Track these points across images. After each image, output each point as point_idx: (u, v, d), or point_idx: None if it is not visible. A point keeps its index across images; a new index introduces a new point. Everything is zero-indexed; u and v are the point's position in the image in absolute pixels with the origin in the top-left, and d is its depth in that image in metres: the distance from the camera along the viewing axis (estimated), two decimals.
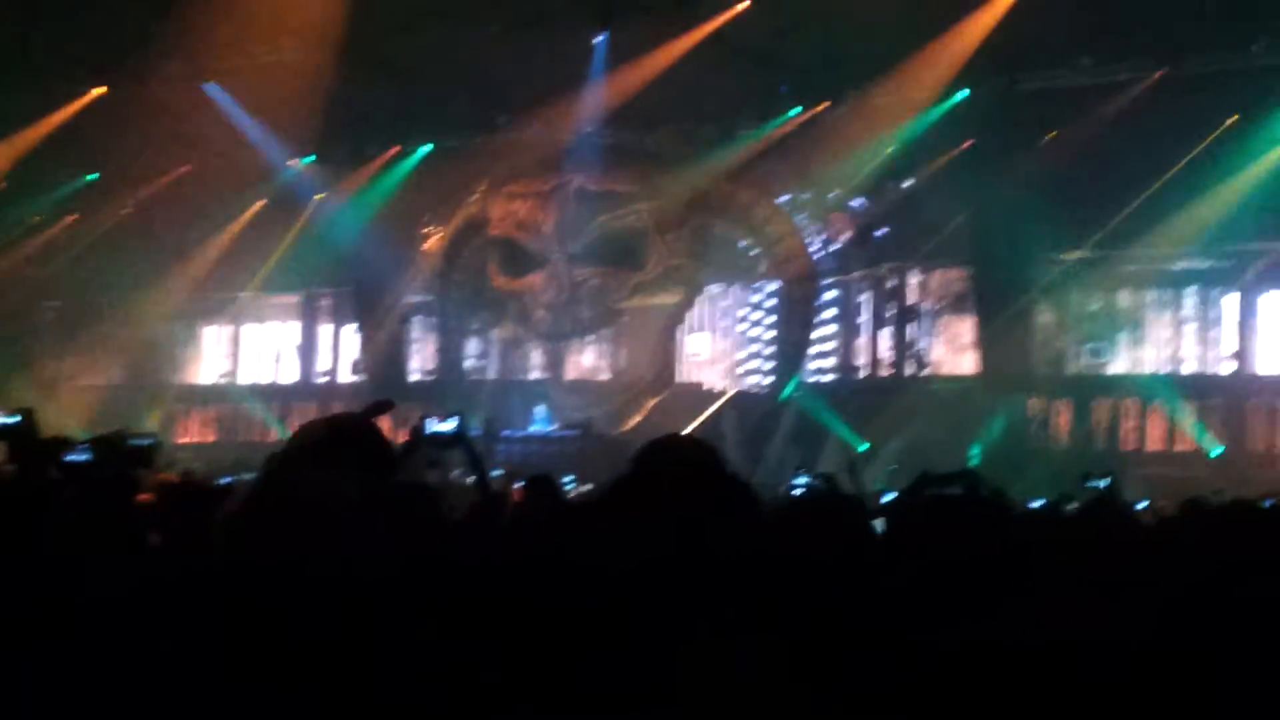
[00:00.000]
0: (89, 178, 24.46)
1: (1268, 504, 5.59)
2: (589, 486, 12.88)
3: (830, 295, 22.36)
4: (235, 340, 26.70)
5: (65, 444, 4.01)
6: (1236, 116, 17.80)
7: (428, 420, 4.54)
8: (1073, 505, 6.99)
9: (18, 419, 3.91)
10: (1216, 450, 17.85)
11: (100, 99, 22.11)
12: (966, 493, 7.11)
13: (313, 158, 23.36)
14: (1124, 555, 3.17)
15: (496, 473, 17.12)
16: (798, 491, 9.06)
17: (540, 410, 21.71)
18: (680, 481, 2.33)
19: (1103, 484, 8.86)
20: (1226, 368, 19.71)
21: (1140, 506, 8.78)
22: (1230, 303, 19.82)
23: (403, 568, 2.39)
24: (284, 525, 2.29)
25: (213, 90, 22.15)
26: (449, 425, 4.60)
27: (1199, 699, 2.40)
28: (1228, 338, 19.81)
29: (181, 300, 25.66)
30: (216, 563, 2.46)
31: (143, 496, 4.72)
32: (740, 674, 2.10)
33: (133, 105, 21.91)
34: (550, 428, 21.23)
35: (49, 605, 2.29)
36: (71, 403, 21.33)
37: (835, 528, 2.83)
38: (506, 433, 20.48)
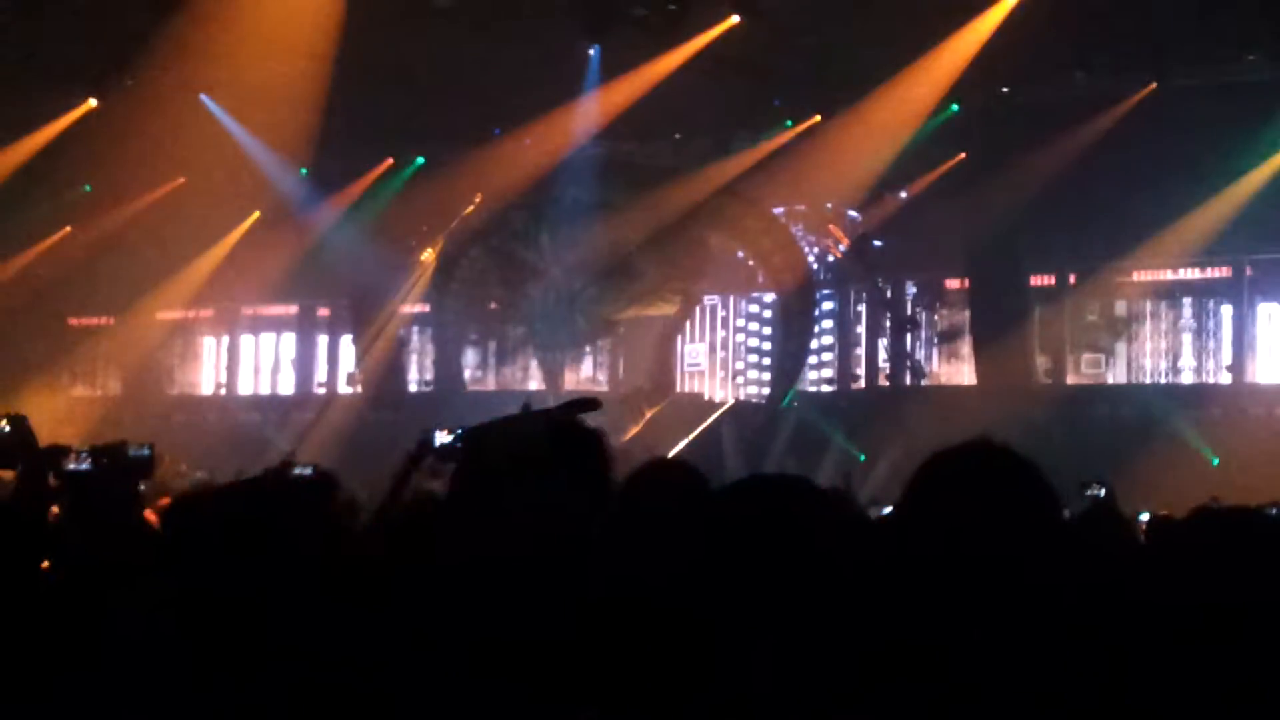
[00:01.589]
0: (83, 190, 24.45)
1: (1274, 511, 5.59)
2: None
3: (828, 306, 22.41)
4: (233, 352, 26.69)
5: (65, 452, 3.99)
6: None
7: (432, 432, 4.52)
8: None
9: (8, 427, 3.87)
10: (1215, 460, 17.85)
11: (92, 112, 22.09)
12: None
13: (304, 171, 23.34)
14: (1123, 559, 3.17)
15: None
16: None
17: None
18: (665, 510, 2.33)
19: (1100, 492, 8.87)
20: (1224, 378, 19.73)
21: (1142, 518, 8.75)
22: (1227, 313, 19.85)
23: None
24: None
25: (206, 103, 22.14)
26: (453, 437, 4.57)
27: (1204, 699, 2.39)
28: (1225, 348, 19.84)
29: (178, 312, 25.66)
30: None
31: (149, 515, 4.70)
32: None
33: (126, 118, 21.89)
34: None
35: (62, 618, 2.28)
36: (69, 414, 21.28)
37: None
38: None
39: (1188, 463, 17.20)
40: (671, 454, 20.62)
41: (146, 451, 4.45)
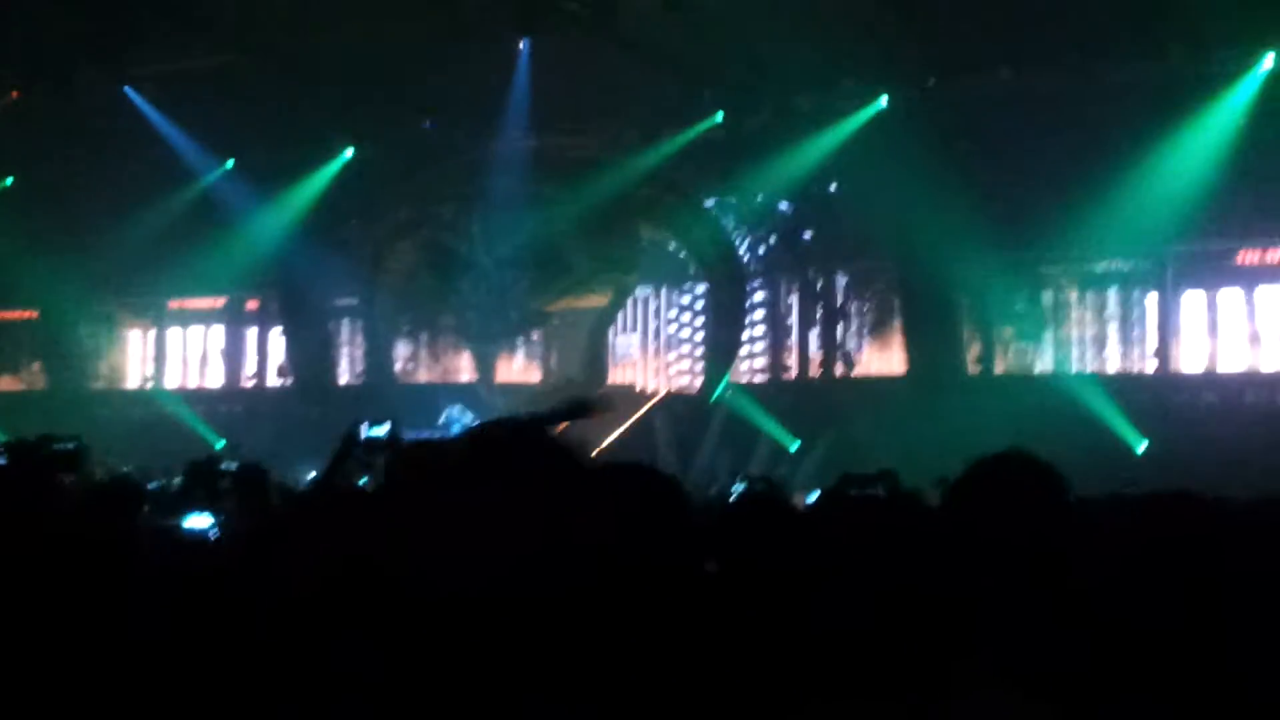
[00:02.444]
0: (5, 182, 24.11)
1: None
2: None
3: (759, 297, 22.48)
4: (159, 344, 26.39)
5: None
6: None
7: (360, 424, 4.51)
8: None
9: None
10: (1141, 447, 18.11)
11: (14, 102, 21.76)
12: (887, 492, 7.23)
13: (231, 163, 23.13)
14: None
15: None
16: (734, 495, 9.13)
17: (455, 410, 21.61)
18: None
19: None
20: (1150, 365, 20.00)
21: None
22: (1151, 302, 20.12)
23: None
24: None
25: (131, 95, 21.86)
26: (382, 429, 4.57)
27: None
28: (1150, 337, 20.12)
29: (103, 304, 25.34)
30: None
31: None
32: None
33: (49, 109, 21.58)
34: (469, 422, 21.20)
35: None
36: None
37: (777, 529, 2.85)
38: (422, 434, 20.45)
39: (1114, 450, 17.44)
40: (604, 445, 20.67)
41: (72, 445, 4.40)
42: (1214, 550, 2.67)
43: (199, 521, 5.60)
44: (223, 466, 6.54)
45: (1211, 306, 19.70)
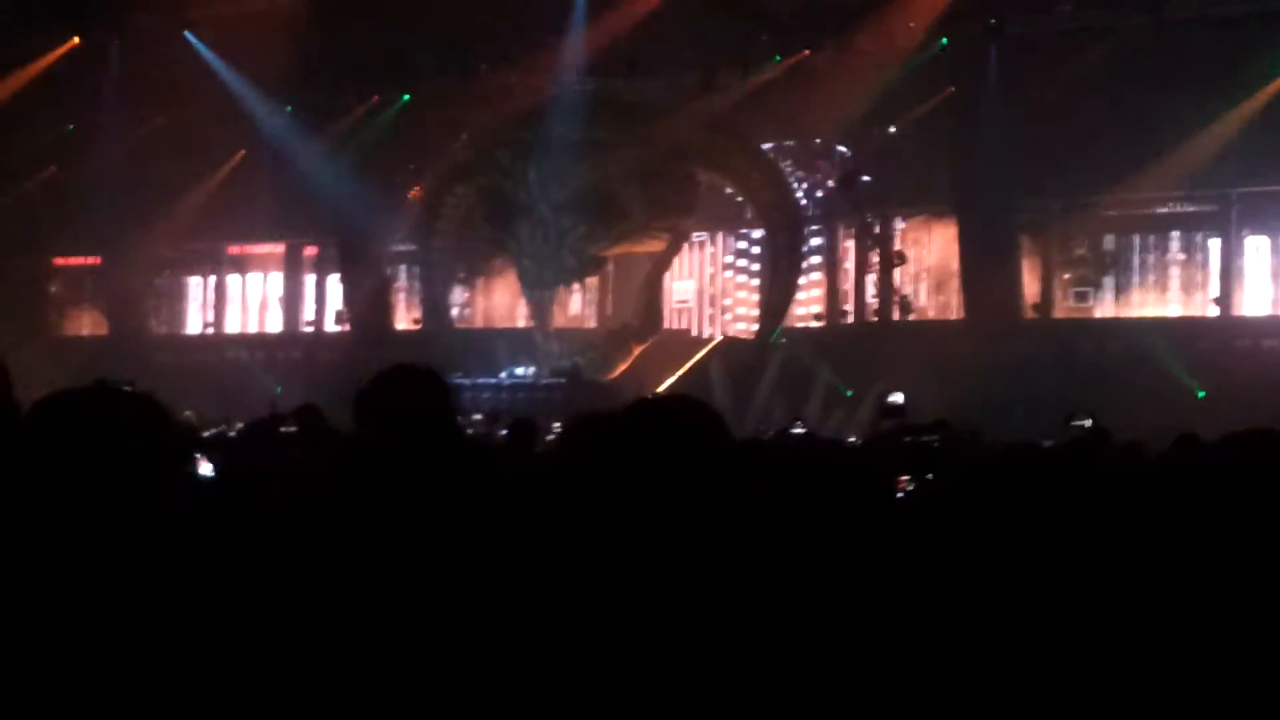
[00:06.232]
0: (67, 129, 24.27)
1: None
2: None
3: (816, 242, 22.36)
4: (220, 290, 26.62)
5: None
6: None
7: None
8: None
9: None
10: (1201, 393, 17.91)
11: (75, 49, 21.90)
12: (942, 440, 7.17)
13: (289, 109, 23.18)
14: (1111, 485, 3.18)
15: (476, 417, 17.20)
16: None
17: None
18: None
19: (1086, 423, 8.91)
20: (1211, 310, 19.76)
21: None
22: (1214, 246, 19.85)
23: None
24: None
25: (190, 40, 21.96)
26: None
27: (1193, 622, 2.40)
28: (1213, 281, 19.86)
29: (164, 251, 25.55)
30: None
31: None
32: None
33: (110, 56, 21.70)
34: (525, 371, 21.33)
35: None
36: (53, 355, 21.21)
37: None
38: (479, 379, 20.61)
39: (1175, 396, 17.26)
40: (660, 390, 20.68)
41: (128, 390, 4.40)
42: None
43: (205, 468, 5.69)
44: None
45: (1276, 250, 19.42)
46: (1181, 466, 3.13)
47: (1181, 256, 20.22)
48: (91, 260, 26.39)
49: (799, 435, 9.85)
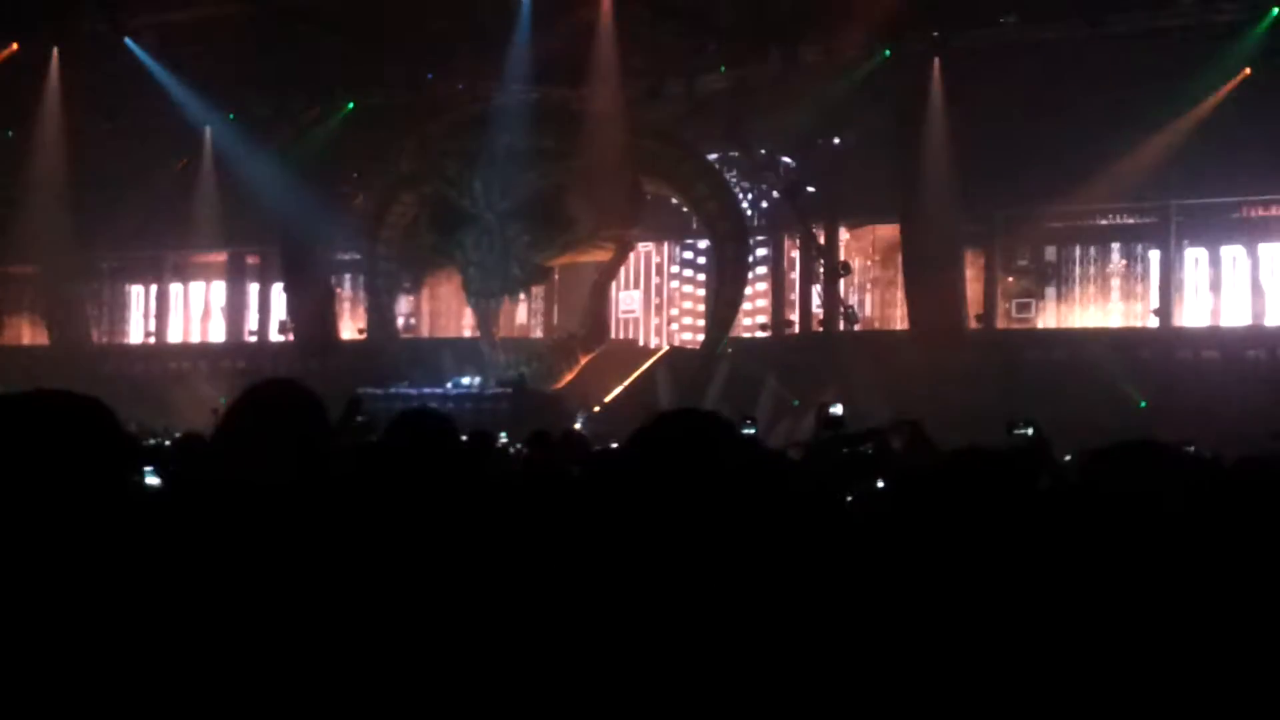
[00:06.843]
0: (5, 135, 23.98)
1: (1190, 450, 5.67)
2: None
3: (762, 252, 22.44)
4: (162, 299, 26.37)
5: None
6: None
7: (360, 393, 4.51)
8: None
9: None
10: (1143, 403, 18.08)
11: (13, 56, 21.64)
12: (876, 450, 7.24)
13: (232, 116, 23.00)
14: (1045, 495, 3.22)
15: None
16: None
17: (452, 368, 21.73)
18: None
19: (1028, 432, 8.95)
20: (1152, 321, 19.98)
21: (1067, 459, 8.84)
22: (1155, 258, 20.08)
23: None
24: None
25: (131, 47, 21.75)
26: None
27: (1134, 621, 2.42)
28: (1152, 292, 20.08)
29: (105, 260, 25.29)
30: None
31: None
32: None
33: (49, 62, 21.46)
34: (471, 381, 21.23)
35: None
36: None
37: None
38: (425, 389, 20.49)
39: (1116, 406, 17.40)
40: (607, 400, 20.67)
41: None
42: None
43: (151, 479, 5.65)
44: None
45: (1214, 262, 19.66)
46: (1084, 474, 3.20)
47: (1122, 266, 20.44)
48: (29, 269, 26.08)
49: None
